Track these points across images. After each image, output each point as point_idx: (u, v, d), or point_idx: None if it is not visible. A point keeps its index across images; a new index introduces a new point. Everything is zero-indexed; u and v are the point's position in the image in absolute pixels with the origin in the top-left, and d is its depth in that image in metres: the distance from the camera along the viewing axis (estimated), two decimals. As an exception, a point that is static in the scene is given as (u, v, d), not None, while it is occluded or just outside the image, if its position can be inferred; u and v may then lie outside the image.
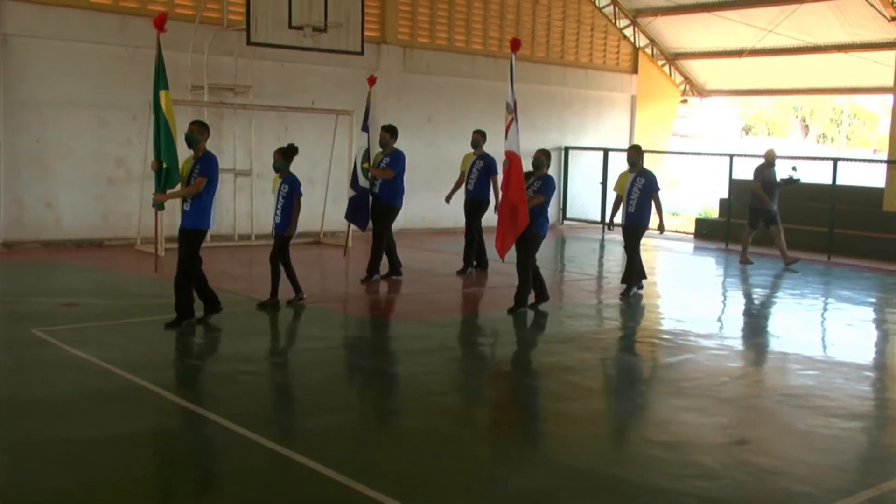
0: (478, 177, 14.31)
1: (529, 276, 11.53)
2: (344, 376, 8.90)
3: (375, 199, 13.39)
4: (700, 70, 27.02)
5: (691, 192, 31.72)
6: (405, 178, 13.59)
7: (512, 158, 11.16)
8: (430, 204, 19.67)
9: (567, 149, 23.73)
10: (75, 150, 16.22)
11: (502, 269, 14.78)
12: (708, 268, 17.91)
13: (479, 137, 14.43)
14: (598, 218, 22.79)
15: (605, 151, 23.18)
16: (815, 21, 22.18)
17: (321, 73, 18.87)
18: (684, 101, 28.31)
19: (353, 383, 8.68)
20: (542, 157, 11.68)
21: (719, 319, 12.34)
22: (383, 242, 13.38)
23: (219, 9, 17.44)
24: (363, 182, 13.31)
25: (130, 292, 11.68)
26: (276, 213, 11.22)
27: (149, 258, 15.04)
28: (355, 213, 13.50)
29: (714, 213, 24.45)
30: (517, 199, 11.02)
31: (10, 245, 15.71)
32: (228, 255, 15.68)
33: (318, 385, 8.31)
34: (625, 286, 13.11)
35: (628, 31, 25.16)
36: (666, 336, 10.83)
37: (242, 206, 17.45)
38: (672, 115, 27.54)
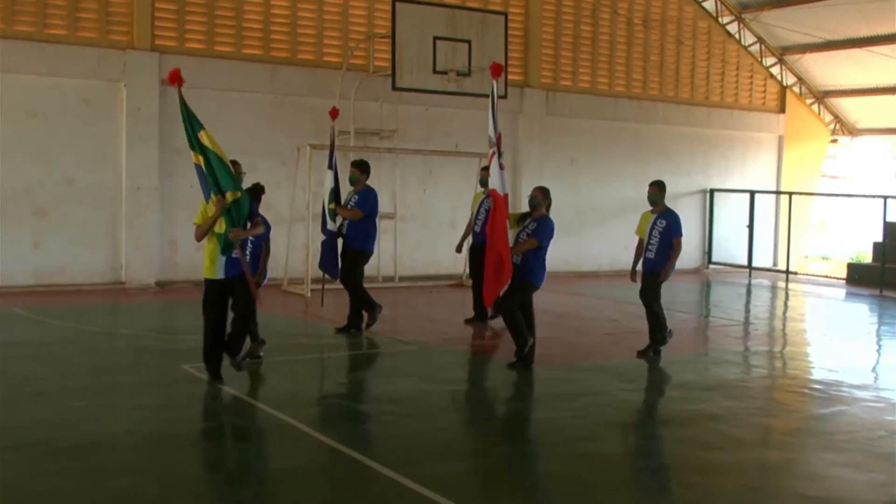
0: (486, 217, 11.80)
1: (519, 325, 10.20)
2: (483, 420, 8.88)
3: (344, 242, 12.10)
4: (851, 108, 26.18)
5: (842, 235, 30.72)
6: (378, 219, 12.55)
7: (496, 198, 9.93)
8: (572, 247, 19.79)
9: (712, 191, 23.29)
10: (227, 193, 16.77)
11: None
12: (861, 315, 17.23)
13: (487, 175, 12.13)
14: (745, 262, 22.28)
15: (752, 193, 22.68)
16: (975, 54, 21.31)
17: (464, 117, 19.07)
18: (834, 141, 27.45)
19: (492, 427, 8.64)
20: (539, 195, 10.31)
21: (874, 370, 11.81)
22: (359, 288, 12.19)
23: (365, 56, 17.88)
24: (331, 225, 12.01)
25: (276, 331, 11.91)
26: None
27: (294, 298, 15.47)
28: (325, 260, 12.14)
29: (867, 258, 23.56)
30: (501, 244, 9.77)
31: (163, 285, 16.35)
32: (373, 296, 15.84)
33: (458, 427, 8.33)
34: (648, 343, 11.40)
35: (775, 70, 24.62)
36: (817, 386, 10.44)
37: (386, 249, 17.65)
38: (821, 155, 26.74)
